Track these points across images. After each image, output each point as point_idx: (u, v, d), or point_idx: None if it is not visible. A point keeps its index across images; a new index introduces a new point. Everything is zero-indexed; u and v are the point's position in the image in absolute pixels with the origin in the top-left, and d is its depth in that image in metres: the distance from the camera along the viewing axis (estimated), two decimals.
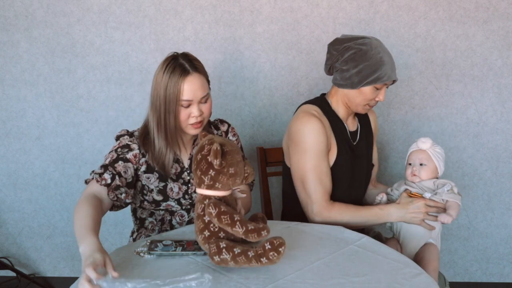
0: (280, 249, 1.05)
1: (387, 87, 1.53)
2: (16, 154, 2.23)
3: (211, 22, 2.09)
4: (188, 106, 1.37)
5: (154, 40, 2.11)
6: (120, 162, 1.37)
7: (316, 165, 1.48)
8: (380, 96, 1.52)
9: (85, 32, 2.11)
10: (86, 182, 1.34)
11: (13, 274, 2.25)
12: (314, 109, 1.55)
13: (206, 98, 1.40)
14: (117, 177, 1.34)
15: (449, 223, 1.38)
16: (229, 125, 1.61)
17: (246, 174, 1.14)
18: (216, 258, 1.07)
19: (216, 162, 1.06)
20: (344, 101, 1.57)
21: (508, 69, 2.10)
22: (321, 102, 1.60)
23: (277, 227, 1.37)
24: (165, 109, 1.37)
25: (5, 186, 2.27)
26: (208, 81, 1.45)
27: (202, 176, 1.10)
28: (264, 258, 1.05)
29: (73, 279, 1.08)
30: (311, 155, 1.48)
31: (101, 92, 2.16)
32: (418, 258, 1.42)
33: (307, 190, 1.49)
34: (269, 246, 1.05)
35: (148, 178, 1.42)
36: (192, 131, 1.41)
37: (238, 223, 1.05)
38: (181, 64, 1.37)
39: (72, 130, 2.21)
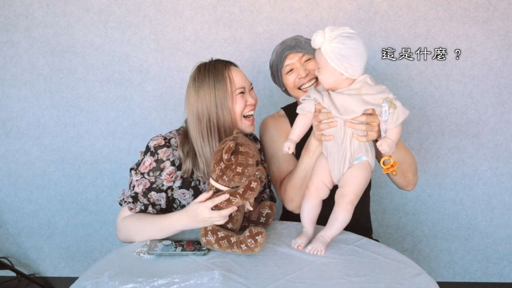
0: (258, 238, 1.13)
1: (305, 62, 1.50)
2: (16, 154, 2.24)
3: (211, 22, 2.09)
4: (242, 94, 1.38)
5: (154, 40, 2.11)
6: (153, 193, 1.36)
7: (269, 154, 1.56)
8: (301, 73, 1.48)
9: (85, 32, 2.11)
10: (120, 203, 1.36)
11: (13, 274, 2.25)
12: (277, 112, 1.68)
13: (252, 86, 1.44)
14: (150, 207, 1.34)
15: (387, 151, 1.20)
16: (260, 144, 1.61)
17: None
18: (203, 239, 1.18)
19: (224, 157, 1.17)
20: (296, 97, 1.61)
21: (508, 69, 2.10)
22: (292, 104, 1.68)
23: (277, 227, 1.38)
24: (217, 108, 1.34)
25: (5, 186, 2.27)
26: None
27: (215, 165, 1.22)
28: (244, 245, 1.14)
29: (73, 279, 1.08)
30: (263, 149, 1.59)
31: (101, 92, 2.16)
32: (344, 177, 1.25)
33: (270, 179, 1.58)
34: (248, 234, 1.14)
35: (183, 194, 1.40)
36: (249, 128, 1.41)
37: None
38: (217, 63, 1.39)
39: (72, 130, 2.21)
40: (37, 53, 2.13)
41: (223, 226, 1.20)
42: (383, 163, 1.25)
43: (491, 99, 2.13)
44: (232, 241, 1.15)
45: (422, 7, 2.05)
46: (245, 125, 1.40)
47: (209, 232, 1.17)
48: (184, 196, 1.40)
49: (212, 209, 1.18)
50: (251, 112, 1.41)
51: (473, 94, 2.13)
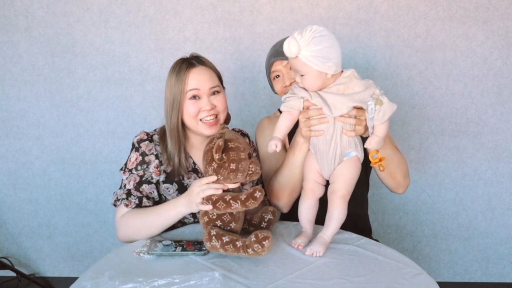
0: (264, 242, 1.10)
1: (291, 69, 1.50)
2: (16, 154, 2.23)
3: (211, 22, 2.09)
4: (197, 98, 1.35)
5: (154, 40, 2.11)
6: (144, 186, 1.36)
7: (262, 154, 1.57)
8: (286, 81, 1.50)
9: (85, 32, 2.11)
10: (115, 205, 1.36)
11: (13, 274, 2.25)
12: (274, 114, 1.69)
13: (216, 90, 1.38)
14: (144, 199, 1.35)
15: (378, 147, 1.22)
16: (249, 139, 1.61)
17: (250, 172, 1.19)
18: (208, 244, 1.14)
19: (215, 156, 1.14)
20: None
21: (508, 69, 2.10)
22: None
23: (277, 227, 1.37)
24: (171, 107, 1.35)
25: (5, 186, 2.27)
26: (220, 78, 1.45)
27: (207, 166, 1.19)
28: (250, 249, 1.10)
29: (73, 279, 1.08)
30: (257, 149, 1.61)
31: (101, 92, 2.16)
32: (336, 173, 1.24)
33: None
34: (254, 239, 1.11)
35: (167, 188, 1.40)
36: (206, 131, 1.37)
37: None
38: (187, 61, 1.39)
39: (72, 130, 2.21)
40: (37, 53, 2.13)
41: (225, 228, 1.18)
42: (371, 157, 1.26)
43: (491, 99, 2.13)
44: (238, 245, 1.12)
45: (422, 7, 2.05)
46: (202, 128, 1.37)
47: (213, 237, 1.14)
48: (169, 191, 1.40)
49: (204, 202, 1.17)
50: (208, 118, 1.36)
51: (473, 94, 2.13)
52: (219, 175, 1.18)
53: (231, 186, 1.20)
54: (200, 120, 1.37)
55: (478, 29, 2.06)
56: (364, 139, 1.27)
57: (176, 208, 1.27)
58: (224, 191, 1.19)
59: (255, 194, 1.14)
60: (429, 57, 2.10)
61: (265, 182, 1.55)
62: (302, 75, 1.18)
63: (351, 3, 2.06)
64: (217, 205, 1.16)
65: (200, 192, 1.18)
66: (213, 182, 1.19)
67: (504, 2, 2.04)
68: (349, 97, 1.17)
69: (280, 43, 1.53)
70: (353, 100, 1.17)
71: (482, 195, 2.23)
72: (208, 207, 1.16)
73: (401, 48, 2.09)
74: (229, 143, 1.17)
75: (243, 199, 1.14)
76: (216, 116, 1.38)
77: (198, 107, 1.35)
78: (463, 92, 2.13)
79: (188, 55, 1.44)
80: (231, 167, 1.16)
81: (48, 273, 2.39)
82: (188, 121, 1.37)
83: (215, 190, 1.17)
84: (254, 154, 1.59)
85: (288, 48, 1.13)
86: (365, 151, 1.28)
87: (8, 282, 2.28)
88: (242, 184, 1.26)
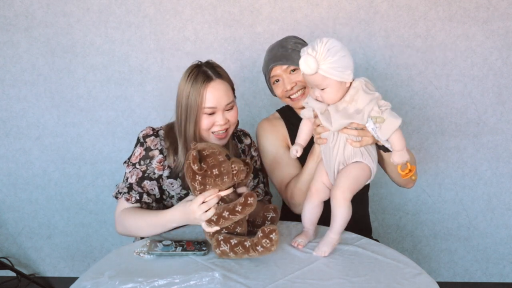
0: (272, 236, 1.10)
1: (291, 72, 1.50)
2: (16, 154, 2.23)
3: (211, 22, 2.09)
4: (212, 113, 1.35)
5: (154, 40, 2.11)
6: (146, 182, 1.37)
7: (270, 159, 1.56)
8: (287, 86, 1.49)
9: (85, 32, 2.11)
10: (116, 197, 1.38)
11: (13, 274, 2.25)
12: (273, 115, 1.68)
13: (231, 106, 1.38)
14: (145, 195, 1.36)
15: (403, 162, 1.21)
16: (251, 139, 1.61)
17: (234, 171, 1.18)
18: (217, 250, 1.14)
19: (194, 168, 1.14)
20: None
21: (508, 69, 2.10)
22: (287, 107, 1.66)
23: (277, 227, 1.37)
24: (186, 117, 1.35)
25: (5, 186, 2.27)
26: (233, 89, 1.44)
27: (193, 183, 1.18)
28: (260, 247, 1.10)
29: (73, 279, 1.08)
30: (263, 154, 1.59)
31: (101, 92, 2.16)
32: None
33: (274, 184, 1.58)
34: (261, 234, 1.11)
35: (171, 183, 1.40)
36: (216, 142, 1.37)
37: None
38: (204, 71, 1.36)
39: (72, 130, 2.21)
40: (37, 53, 2.13)
41: (232, 233, 1.18)
42: (400, 169, 1.25)
43: (491, 99, 2.13)
44: (247, 245, 1.12)
45: (422, 7, 2.05)
46: (213, 139, 1.39)
47: (222, 242, 1.14)
48: (172, 186, 1.41)
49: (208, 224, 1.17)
50: (220, 133, 1.38)
51: (473, 94, 2.13)
52: (207, 186, 1.17)
53: (224, 193, 1.19)
54: (212, 132, 1.39)
55: (478, 29, 2.06)
56: (380, 147, 1.27)
57: (172, 223, 1.27)
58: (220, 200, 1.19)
59: (248, 201, 1.14)
60: (429, 57, 2.10)
61: (280, 185, 1.54)
62: (322, 89, 1.17)
63: (351, 3, 2.06)
64: (219, 223, 1.16)
65: (202, 215, 1.16)
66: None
67: (504, 2, 2.04)
68: (347, 115, 1.17)
69: (277, 47, 1.52)
70: (350, 118, 1.17)
71: (482, 195, 2.23)
72: (215, 229, 1.17)
73: (401, 48, 2.09)
74: (203, 152, 1.17)
75: (240, 210, 1.14)
76: (227, 129, 1.40)
77: (212, 121, 1.36)
78: (463, 92, 2.13)
79: (203, 61, 1.41)
80: (214, 173, 1.16)
81: (48, 273, 2.39)
82: (201, 132, 1.38)
83: (214, 208, 1.16)
84: (255, 154, 1.60)
85: (307, 66, 1.12)
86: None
87: (8, 282, 2.28)
88: (239, 194, 1.25)
